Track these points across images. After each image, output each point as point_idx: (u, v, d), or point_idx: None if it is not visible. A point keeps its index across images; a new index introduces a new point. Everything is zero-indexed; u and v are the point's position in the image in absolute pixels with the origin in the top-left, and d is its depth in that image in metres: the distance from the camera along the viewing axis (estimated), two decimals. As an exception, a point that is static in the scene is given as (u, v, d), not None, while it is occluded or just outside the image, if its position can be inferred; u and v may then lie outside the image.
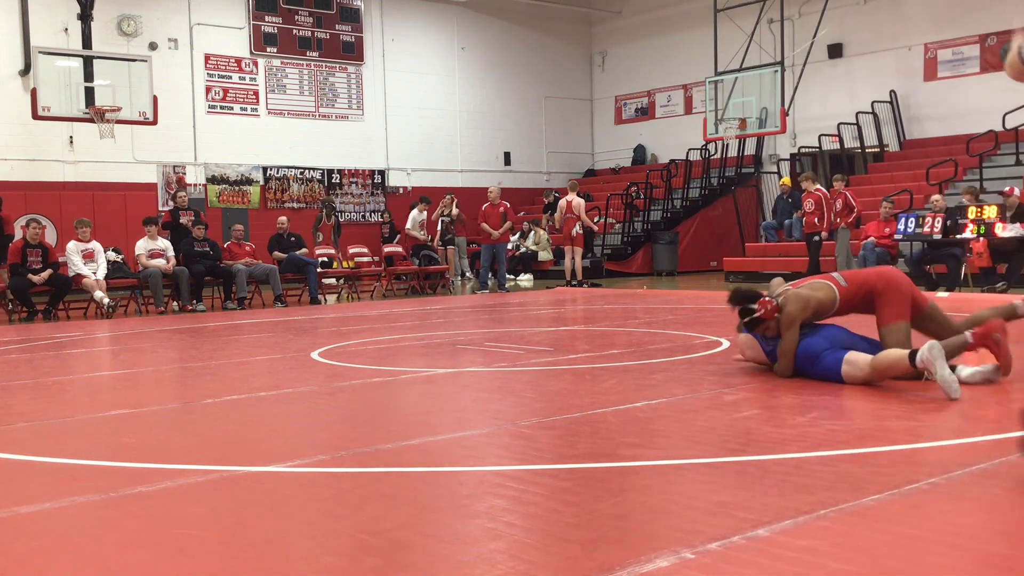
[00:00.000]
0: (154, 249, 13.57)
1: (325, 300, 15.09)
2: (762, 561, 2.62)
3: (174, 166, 19.85)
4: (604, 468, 3.72)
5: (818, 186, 15.45)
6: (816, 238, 15.15)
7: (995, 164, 17.15)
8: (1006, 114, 17.15)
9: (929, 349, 4.85)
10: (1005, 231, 11.92)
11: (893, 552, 2.66)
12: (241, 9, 20.72)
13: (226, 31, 20.55)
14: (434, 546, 2.85)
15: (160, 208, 18.79)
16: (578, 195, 17.17)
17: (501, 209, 16.49)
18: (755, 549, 2.71)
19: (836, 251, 15.03)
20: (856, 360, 5.34)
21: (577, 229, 16.74)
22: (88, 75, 14.90)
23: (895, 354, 5.17)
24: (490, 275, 17.21)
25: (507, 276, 17.09)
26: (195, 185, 19.93)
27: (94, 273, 12.89)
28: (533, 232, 21.20)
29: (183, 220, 14.53)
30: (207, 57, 20.31)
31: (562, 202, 16.97)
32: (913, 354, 4.95)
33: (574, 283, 16.71)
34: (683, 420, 4.71)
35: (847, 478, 3.45)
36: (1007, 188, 12.93)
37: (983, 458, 3.65)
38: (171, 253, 13.66)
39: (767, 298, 5.65)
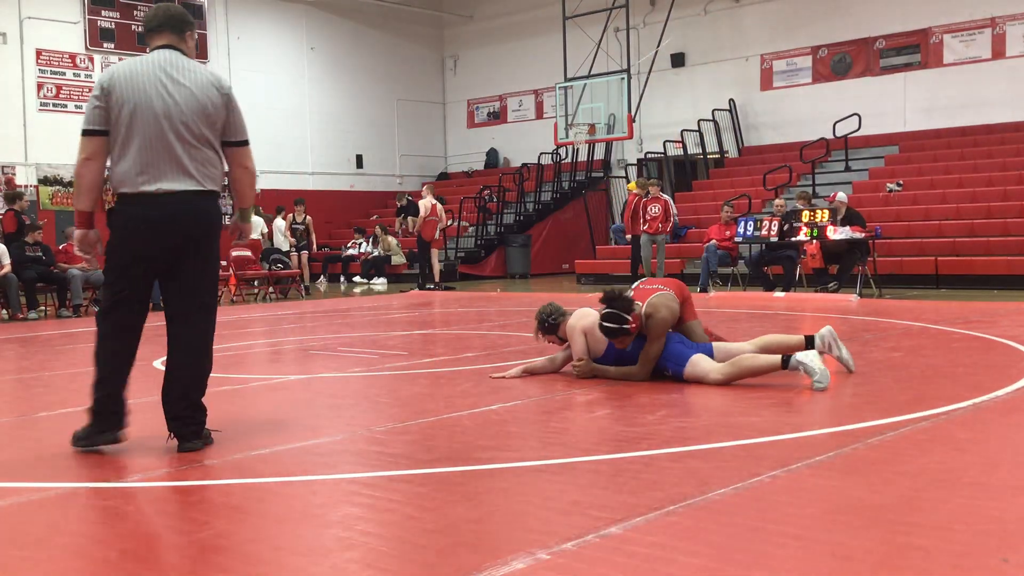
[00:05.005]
0: None
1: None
2: (615, 559, 2.67)
3: (3, 167, 18.75)
4: (460, 472, 3.72)
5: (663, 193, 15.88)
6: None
7: (827, 170, 18.08)
8: (836, 122, 18.12)
9: (829, 333, 5.67)
10: (836, 234, 12.57)
11: (738, 544, 2.75)
12: (76, 3, 19.74)
13: (60, 25, 19.53)
14: (286, 559, 2.78)
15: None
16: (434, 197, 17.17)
17: None
18: (609, 547, 2.76)
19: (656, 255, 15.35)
20: (700, 363, 5.54)
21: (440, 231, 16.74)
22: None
23: (762, 357, 5.48)
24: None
25: (362, 280, 16.49)
26: (26, 186, 18.86)
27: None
28: (381, 240, 20.75)
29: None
30: (39, 52, 19.26)
31: (426, 203, 16.73)
32: (787, 359, 5.33)
33: (430, 287, 16.64)
34: (537, 421, 4.76)
35: (694, 473, 3.56)
36: (831, 194, 13.64)
37: (820, 451, 3.84)
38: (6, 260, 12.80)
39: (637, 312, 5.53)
